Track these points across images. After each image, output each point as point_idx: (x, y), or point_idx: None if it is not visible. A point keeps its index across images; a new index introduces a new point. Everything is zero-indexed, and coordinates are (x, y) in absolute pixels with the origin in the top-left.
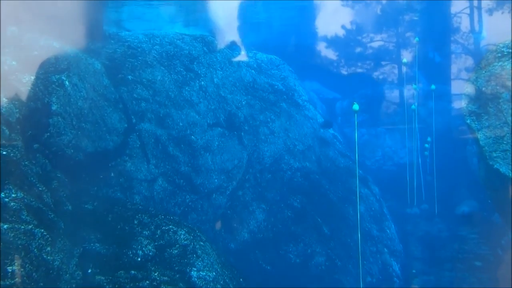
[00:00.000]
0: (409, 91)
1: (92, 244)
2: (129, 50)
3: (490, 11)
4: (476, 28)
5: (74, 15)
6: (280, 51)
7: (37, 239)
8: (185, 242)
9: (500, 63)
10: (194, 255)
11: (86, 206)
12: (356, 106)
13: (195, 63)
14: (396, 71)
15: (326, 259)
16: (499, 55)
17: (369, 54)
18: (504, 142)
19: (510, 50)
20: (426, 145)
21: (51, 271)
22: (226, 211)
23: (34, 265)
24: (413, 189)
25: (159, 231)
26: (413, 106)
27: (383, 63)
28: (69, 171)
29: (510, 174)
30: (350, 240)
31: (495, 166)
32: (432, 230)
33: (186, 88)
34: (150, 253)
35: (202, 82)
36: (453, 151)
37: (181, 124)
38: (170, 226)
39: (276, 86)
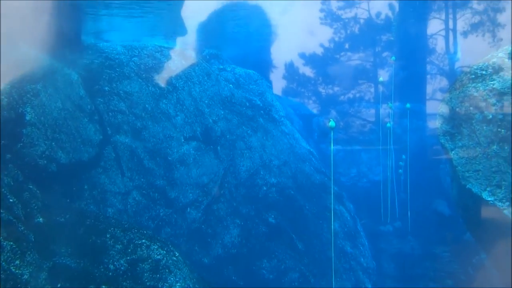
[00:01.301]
0: (385, 109)
1: (62, 258)
2: (107, 61)
3: (465, 34)
4: (451, 49)
5: (51, 25)
6: (259, 66)
7: (5, 252)
8: (157, 257)
9: (473, 85)
10: (167, 270)
11: (57, 218)
12: (332, 123)
13: (173, 76)
14: (372, 89)
15: (300, 275)
16: (473, 76)
17: (347, 72)
18: (477, 163)
19: (484, 72)
20: (401, 163)
21: (19, 285)
22: (201, 225)
23: (1, 279)
24: (387, 206)
25: (131, 245)
26: (388, 124)
27: (360, 81)
28: (41, 182)
29: (482, 194)
30: (324, 257)
31: (468, 186)
32: (405, 247)
33: (164, 101)
34: (122, 268)
35: (180, 95)
36: (427, 169)
37: (157, 137)
38: (143, 241)
39: (253, 101)
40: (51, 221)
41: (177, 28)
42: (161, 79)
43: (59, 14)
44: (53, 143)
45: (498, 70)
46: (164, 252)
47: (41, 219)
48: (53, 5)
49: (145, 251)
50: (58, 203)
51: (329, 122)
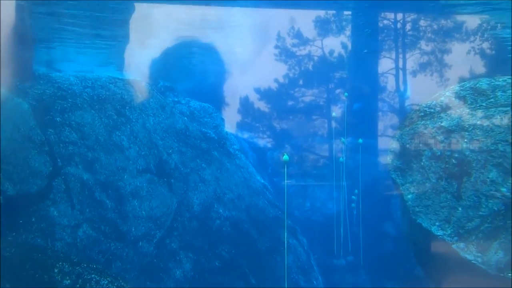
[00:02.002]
0: (338, 144)
1: None
2: (59, 91)
3: (414, 73)
4: (401, 88)
5: (3, 53)
6: (214, 99)
7: None
8: None
9: (423, 122)
10: None
11: (3, 253)
12: (286, 157)
13: (127, 107)
14: (326, 124)
15: None
16: (422, 114)
17: (301, 108)
18: (426, 198)
19: (432, 110)
20: (353, 197)
21: None
22: (153, 259)
23: None
24: (339, 240)
25: (80, 280)
26: (341, 159)
27: (313, 116)
28: None
29: (432, 229)
30: None
31: (418, 220)
32: (357, 281)
33: (117, 133)
34: None
35: (134, 127)
36: (378, 204)
37: (109, 169)
38: (93, 275)
39: (208, 134)
40: None
41: (130, 59)
42: (115, 111)
43: (11, 43)
44: None
45: (445, 108)
46: (114, 287)
47: None
48: (5, 34)
49: (94, 286)
50: (4, 237)
51: (283, 156)
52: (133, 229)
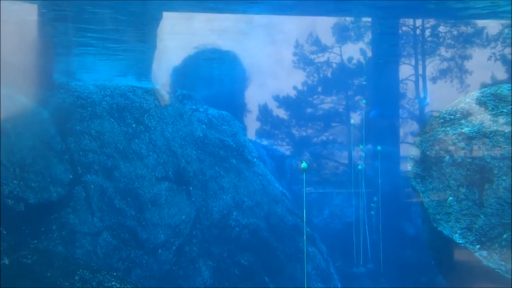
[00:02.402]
0: (357, 152)
1: None
2: (79, 100)
3: (434, 80)
4: (421, 94)
5: (23, 63)
6: (232, 107)
7: None
8: None
9: (442, 129)
10: None
11: (24, 260)
12: (304, 164)
13: (145, 116)
14: (344, 132)
15: None
16: (442, 121)
17: (319, 115)
18: (447, 205)
19: (453, 117)
20: (372, 205)
21: None
22: (172, 267)
23: None
24: (359, 248)
25: (101, 287)
26: (359, 166)
27: (332, 124)
28: (8, 222)
29: (453, 237)
30: None
31: (439, 228)
32: None
33: (136, 141)
34: None
35: (152, 135)
36: (399, 211)
37: (129, 176)
38: (113, 283)
39: (226, 142)
40: (18, 263)
41: (149, 68)
42: (134, 119)
43: (31, 53)
44: (21, 183)
45: (466, 115)
46: None
47: (7, 260)
48: (26, 44)
49: None
50: (26, 244)
51: (301, 163)
52: (152, 237)
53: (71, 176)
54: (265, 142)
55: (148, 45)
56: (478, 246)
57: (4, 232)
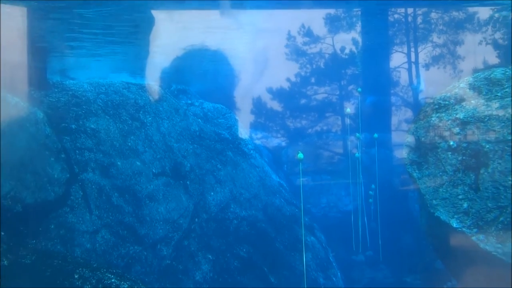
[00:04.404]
0: (353, 140)
1: None
2: (73, 99)
3: (427, 66)
4: (414, 81)
5: (17, 64)
6: (227, 100)
7: None
8: None
9: (437, 115)
10: None
11: (23, 260)
12: (300, 155)
13: (141, 112)
14: (339, 121)
15: None
16: (436, 107)
17: (314, 105)
18: (444, 191)
19: (447, 103)
20: (370, 192)
21: None
22: (171, 262)
23: None
24: (358, 236)
25: (100, 285)
26: (356, 154)
27: (327, 114)
28: (6, 223)
29: (450, 222)
30: None
31: (436, 214)
32: (377, 276)
33: (132, 137)
34: None
35: (148, 131)
36: (396, 198)
37: (126, 173)
38: (113, 280)
39: (222, 135)
40: (17, 263)
41: (143, 64)
42: (129, 116)
43: (25, 54)
44: (18, 183)
45: (460, 100)
46: None
47: (6, 261)
48: (19, 43)
49: None
50: (24, 244)
51: (297, 154)
52: (151, 232)
53: (68, 175)
54: (260, 134)
55: (139, 43)
56: (475, 230)
57: (2, 233)
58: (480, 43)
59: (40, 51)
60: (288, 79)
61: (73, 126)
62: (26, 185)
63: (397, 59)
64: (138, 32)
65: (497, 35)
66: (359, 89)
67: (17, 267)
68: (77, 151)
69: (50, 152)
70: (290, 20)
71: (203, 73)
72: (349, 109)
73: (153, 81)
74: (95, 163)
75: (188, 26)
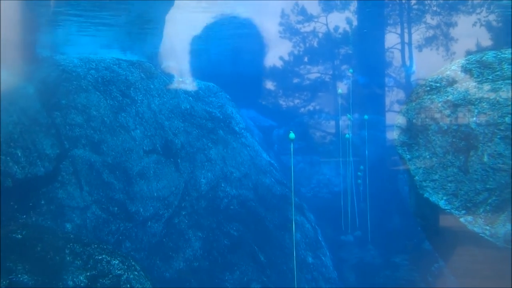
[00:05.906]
0: (344, 121)
1: (19, 276)
2: (63, 74)
3: (420, 47)
4: (407, 63)
5: (6, 38)
6: (218, 79)
7: None
8: (118, 272)
9: (429, 97)
10: (128, 285)
11: (14, 235)
12: (292, 135)
13: (131, 89)
14: (331, 101)
15: (262, 287)
16: (428, 88)
17: (306, 85)
18: (433, 172)
19: (438, 85)
20: (359, 173)
21: None
22: (162, 239)
23: None
24: (347, 216)
25: (91, 260)
26: (347, 135)
27: (319, 93)
28: None
29: (439, 203)
30: (286, 268)
31: (425, 195)
32: (366, 256)
33: (122, 114)
34: (82, 284)
35: (139, 108)
36: (385, 179)
37: (116, 150)
38: (103, 256)
39: (213, 114)
40: (8, 238)
41: (134, 40)
42: (120, 92)
43: (13, 27)
44: (8, 158)
45: (452, 82)
46: (125, 267)
47: None
48: (8, 18)
49: (105, 266)
50: (15, 219)
51: (289, 133)
52: (141, 209)
53: (58, 151)
54: (252, 113)
55: (130, 19)
56: (463, 212)
57: None
58: (473, 25)
59: (29, 25)
60: (281, 58)
61: (64, 102)
62: (16, 160)
63: (391, 39)
64: (128, 7)
65: (491, 17)
66: (351, 70)
67: (8, 241)
68: (68, 127)
69: (41, 127)
70: None
71: (195, 51)
72: (341, 89)
73: (144, 58)
74: (85, 139)
75: (180, 5)
